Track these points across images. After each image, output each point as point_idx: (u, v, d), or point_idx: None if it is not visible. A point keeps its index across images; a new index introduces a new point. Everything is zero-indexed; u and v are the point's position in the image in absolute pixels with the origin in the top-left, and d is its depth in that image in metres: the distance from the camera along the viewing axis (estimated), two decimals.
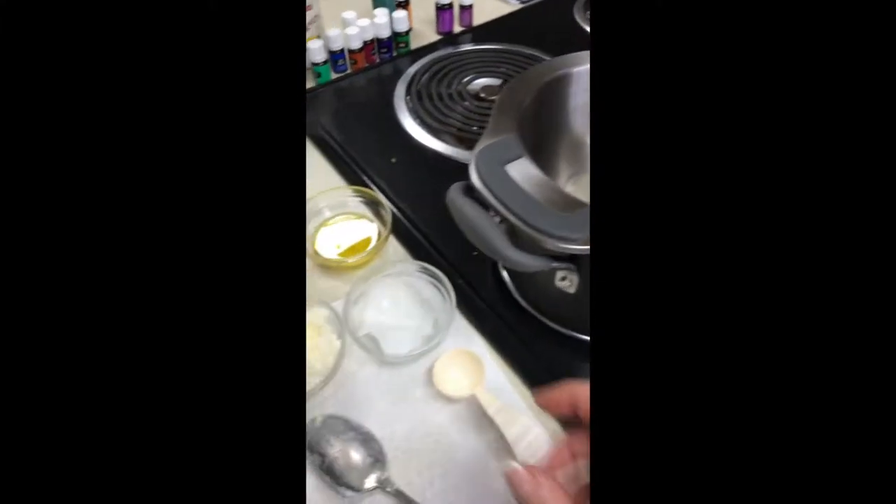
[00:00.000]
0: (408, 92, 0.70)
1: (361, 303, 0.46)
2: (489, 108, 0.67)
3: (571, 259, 0.35)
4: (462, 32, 0.85)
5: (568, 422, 0.29)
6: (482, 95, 0.69)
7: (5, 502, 0.18)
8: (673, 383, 0.19)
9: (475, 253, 0.48)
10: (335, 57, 0.74)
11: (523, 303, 0.47)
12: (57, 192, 0.20)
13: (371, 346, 0.43)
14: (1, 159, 0.19)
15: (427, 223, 0.54)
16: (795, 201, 0.19)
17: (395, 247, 0.53)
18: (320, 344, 0.42)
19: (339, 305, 0.45)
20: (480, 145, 0.38)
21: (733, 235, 0.19)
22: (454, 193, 0.37)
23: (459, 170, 0.60)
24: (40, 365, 0.19)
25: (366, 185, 0.57)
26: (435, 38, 0.84)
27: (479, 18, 0.86)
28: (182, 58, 0.21)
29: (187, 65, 0.21)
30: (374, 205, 0.53)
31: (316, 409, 0.41)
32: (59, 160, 0.20)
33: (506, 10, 0.89)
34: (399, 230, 0.53)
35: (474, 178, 0.36)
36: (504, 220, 0.34)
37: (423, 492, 0.37)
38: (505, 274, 0.49)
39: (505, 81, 0.72)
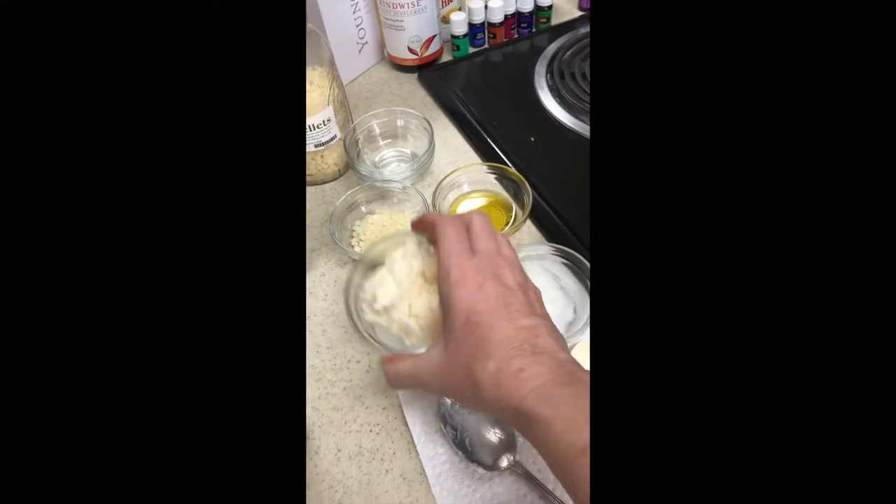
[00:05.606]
0: (548, 69, 0.68)
1: None
2: None
3: None
4: None
5: None
6: None
7: (5, 502, 0.18)
8: (673, 385, 0.19)
9: None
10: (474, 31, 0.73)
11: None
12: (58, 188, 0.20)
13: None
14: (2, 159, 0.19)
15: (565, 206, 0.52)
16: (795, 202, 0.19)
17: (527, 226, 0.52)
18: None
19: None
20: None
21: (738, 233, 0.20)
22: None
23: None
24: (40, 359, 0.19)
25: (503, 162, 0.56)
26: (575, 14, 0.81)
27: None
28: (182, 53, 0.21)
29: (187, 60, 0.21)
30: (513, 183, 0.52)
31: None
32: (60, 157, 0.20)
33: None
34: (534, 210, 0.52)
35: None
36: None
37: (555, 480, 0.36)
38: None
39: None
